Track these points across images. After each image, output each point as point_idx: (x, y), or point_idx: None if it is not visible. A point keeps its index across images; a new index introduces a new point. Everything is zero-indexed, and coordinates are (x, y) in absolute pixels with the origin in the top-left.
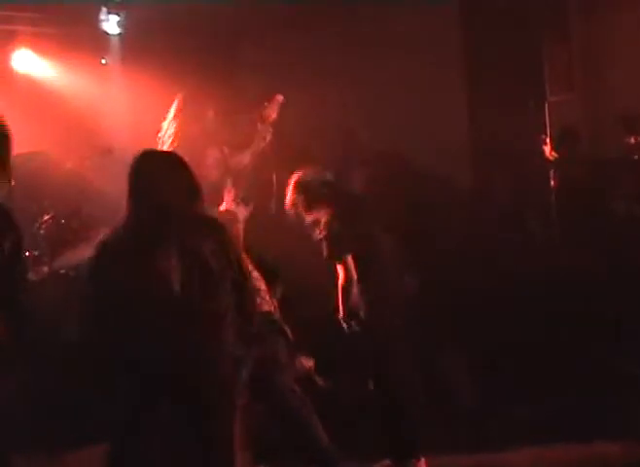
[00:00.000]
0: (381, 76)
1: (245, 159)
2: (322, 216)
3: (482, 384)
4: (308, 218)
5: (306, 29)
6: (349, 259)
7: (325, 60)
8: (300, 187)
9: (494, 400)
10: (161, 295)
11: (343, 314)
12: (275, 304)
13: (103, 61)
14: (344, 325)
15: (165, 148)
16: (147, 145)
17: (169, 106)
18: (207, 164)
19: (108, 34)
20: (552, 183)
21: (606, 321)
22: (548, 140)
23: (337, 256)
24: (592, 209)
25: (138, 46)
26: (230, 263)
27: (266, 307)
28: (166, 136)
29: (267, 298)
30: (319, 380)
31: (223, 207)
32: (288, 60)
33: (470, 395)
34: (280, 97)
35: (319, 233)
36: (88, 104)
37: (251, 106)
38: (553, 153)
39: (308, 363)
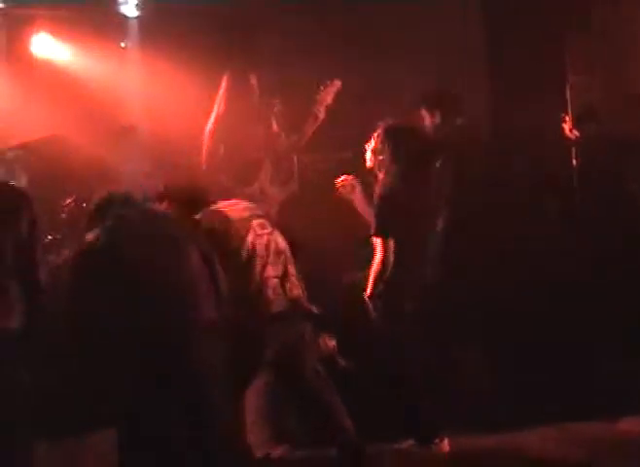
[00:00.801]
0: (398, 59)
1: (292, 140)
2: (384, 181)
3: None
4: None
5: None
6: (391, 242)
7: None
8: (390, 132)
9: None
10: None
11: (371, 295)
12: (303, 287)
13: (122, 45)
14: (370, 306)
15: (212, 126)
16: (167, 127)
17: (190, 89)
18: (249, 143)
19: (127, 17)
20: (574, 162)
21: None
22: (568, 119)
23: (383, 233)
24: (614, 190)
25: (158, 29)
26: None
27: (295, 292)
28: (215, 115)
29: (297, 282)
30: (341, 361)
31: (256, 186)
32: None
33: (487, 378)
34: (338, 83)
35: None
36: (108, 87)
37: (304, 88)
38: (574, 131)
39: (331, 342)
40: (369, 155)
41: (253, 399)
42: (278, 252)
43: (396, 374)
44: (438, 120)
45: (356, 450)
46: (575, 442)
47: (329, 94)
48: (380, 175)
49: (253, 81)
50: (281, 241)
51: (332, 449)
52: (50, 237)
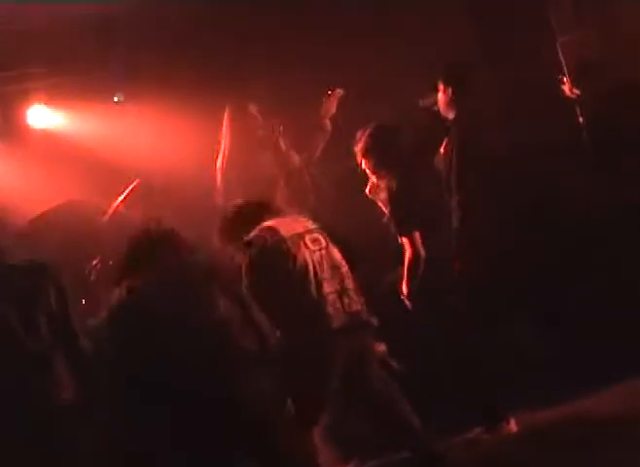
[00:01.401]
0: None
1: (303, 157)
2: (385, 185)
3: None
4: (372, 178)
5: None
6: (417, 234)
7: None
8: (373, 138)
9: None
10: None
11: (408, 293)
12: (362, 300)
13: (115, 99)
14: (408, 304)
15: (221, 162)
16: (175, 173)
17: (190, 132)
18: (261, 169)
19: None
20: (580, 120)
21: None
22: (565, 79)
23: (407, 231)
24: (628, 143)
25: (147, 76)
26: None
27: (354, 307)
28: (223, 149)
29: (356, 297)
30: (394, 364)
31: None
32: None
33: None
34: (340, 91)
35: (385, 208)
36: (110, 144)
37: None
38: (575, 90)
39: (381, 347)
40: (358, 157)
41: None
42: (334, 267)
43: (451, 366)
44: (450, 96)
45: (429, 451)
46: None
47: (332, 104)
48: (375, 178)
49: (253, 109)
50: (336, 256)
51: (401, 454)
52: (84, 302)
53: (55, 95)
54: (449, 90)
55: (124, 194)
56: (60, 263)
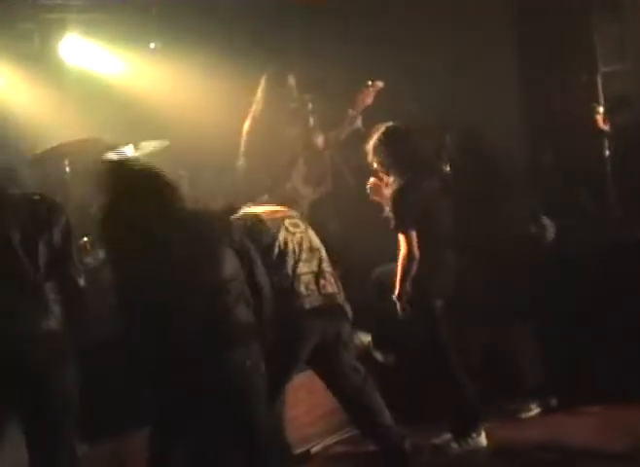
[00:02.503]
0: (429, 51)
1: (327, 140)
2: (392, 182)
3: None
4: (380, 175)
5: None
6: (413, 234)
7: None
8: (384, 138)
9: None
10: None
11: (399, 292)
12: (340, 285)
13: (152, 46)
14: (398, 303)
15: (248, 126)
16: (200, 129)
17: (224, 90)
18: (285, 141)
19: (156, 18)
20: (607, 153)
21: None
22: (601, 109)
23: (404, 228)
24: None
25: (187, 29)
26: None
27: (329, 289)
28: (252, 115)
29: (333, 280)
30: (378, 356)
31: (289, 186)
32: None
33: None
34: (380, 84)
35: (388, 203)
36: (140, 90)
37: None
38: (606, 122)
39: (366, 338)
40: (370, 154)
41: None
42: (312, 249)
43: (433, 368)
44: None
45: (397, 446)
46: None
47: (369, 95)
48: (385, 175)
49: (291, 81)
50: (315, 239)
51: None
52: (85, 239)
53: (93, 31)
54: None
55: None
56: (67, 196)
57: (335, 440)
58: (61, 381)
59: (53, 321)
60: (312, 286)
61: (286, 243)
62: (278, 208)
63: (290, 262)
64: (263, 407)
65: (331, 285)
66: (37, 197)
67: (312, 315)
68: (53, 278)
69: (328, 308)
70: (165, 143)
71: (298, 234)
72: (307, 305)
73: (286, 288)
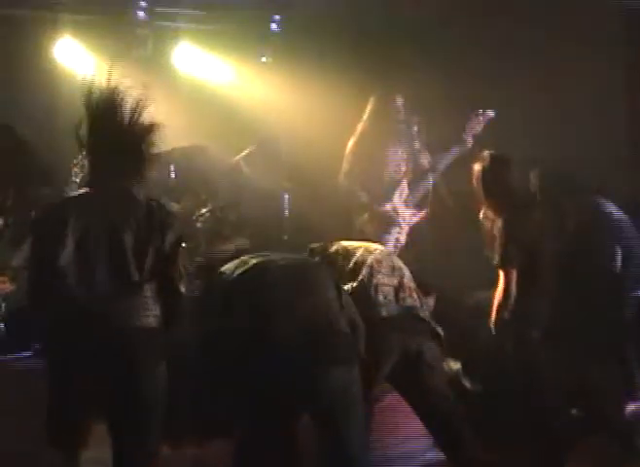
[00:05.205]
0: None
1: (431, 163)
2: (496, 214)
3: None
4: (483, 204)
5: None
6: (514, 271)
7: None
8: (487, 166)
9: None
10: None
11: (496, 320)
12: (424, 304)
13: (263, 59)
14: (493, 331)
15: (353, 145)
16: (305, 143)
17: (325, 105)
18: (389, 162)
19: (269, 32)
20: None
21: None
22: None
23: (506, 264)
24: None
25: (299, 45)
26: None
27: (409, 302)
28: (358, 133)
29: (415, 295)
30: (467, 383)
31: (389, 206)
32: None
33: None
34: (491, 114)
35: (496, 236)
36: (249, 102)
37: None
38: None
39: (455, 365)
40: (475, 182)
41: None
42: (394, 268)
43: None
44: None
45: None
46: None
47: (479, 124)
48: (488, 204)
49: (399, 102)
50: (398, 261)
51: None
52: (184, 245)
53: (206, 41)
54: None
55: (247, 151)
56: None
57: (418, 463)
58: (153, 380)
59: (152, 319)
60: (391, 297)
61: (364, 258)
62: (364, 243)
63: (367, 271)
64: (360, 428)
65: (412, 299)
66: (154, 203)
67: (390, 325)
68: (156, 280)
69: (407, 321)
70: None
71: (378, 255)
72: (384, 313)
73: (362, 296)
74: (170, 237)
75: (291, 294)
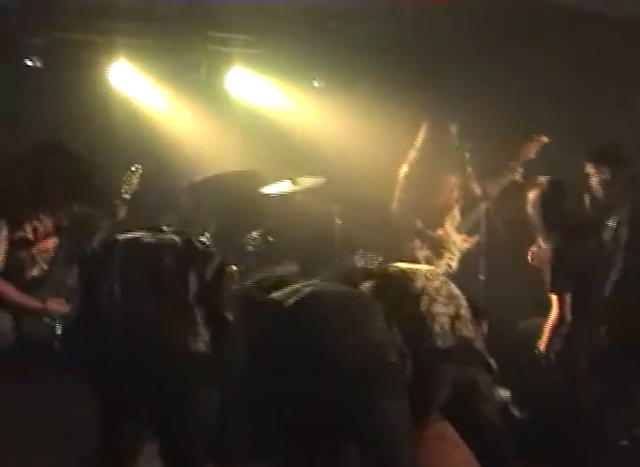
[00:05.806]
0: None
1: (484, 190)
2: (550, 240)
3: None
4: (536, 232)
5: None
6: (568, 297)
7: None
8: (542, 193)
9: None
10: None
11: (546, 348)
12: (478, 333)
13: (315, 84)
14: (543, 360)
15: (406, 171)
16: (357, 170)
17: (377, 131)
18: (441, 188)
19: (320, 56)
20: None
21: None
22: None
23: (559, 290)
24: None
25: (352, 69)
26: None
27: (465, 333)
28: (410, 159)
29: (470, 326)
30: (516, 412)
31: (441, 232)
32: None
33: None
34: (544, 138)
35: (549, 261)
36: (300, 125)
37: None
38: None
39: (505, 393)
40: (530, 208)
41: None
42: (451, 297)
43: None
44: (607, 175)
45: None
46: None
47: (532, 150)
48: (541, 231)
49: (452, 129)
50: (455, 289)
51: None
52: (234, 268)
53: (258, 65)
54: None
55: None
56: (220, 226)
57: None
58: (200, 404)
59: (201, 344)
60: (447, 327)
61: (424, 287)
62: (422, 266)
63: (425, 301)
64: (409, 460)
65: (467, 329)
66: (199, 246)
67: (445, 356)
68: (203, 306)
69: (463, 352)
70: (322, 180)
71: (436, 282)
72: (440, 344)
73: (418, 326)
74: (210, 270)
75: (340, 325)
